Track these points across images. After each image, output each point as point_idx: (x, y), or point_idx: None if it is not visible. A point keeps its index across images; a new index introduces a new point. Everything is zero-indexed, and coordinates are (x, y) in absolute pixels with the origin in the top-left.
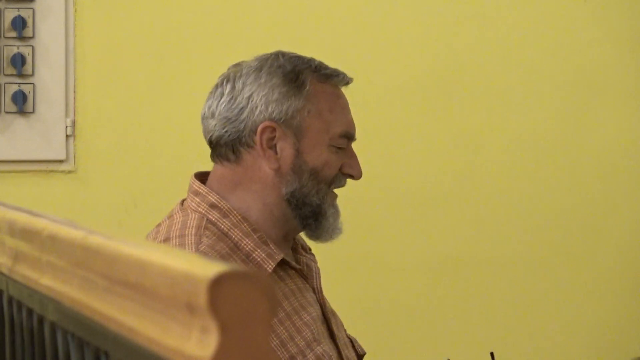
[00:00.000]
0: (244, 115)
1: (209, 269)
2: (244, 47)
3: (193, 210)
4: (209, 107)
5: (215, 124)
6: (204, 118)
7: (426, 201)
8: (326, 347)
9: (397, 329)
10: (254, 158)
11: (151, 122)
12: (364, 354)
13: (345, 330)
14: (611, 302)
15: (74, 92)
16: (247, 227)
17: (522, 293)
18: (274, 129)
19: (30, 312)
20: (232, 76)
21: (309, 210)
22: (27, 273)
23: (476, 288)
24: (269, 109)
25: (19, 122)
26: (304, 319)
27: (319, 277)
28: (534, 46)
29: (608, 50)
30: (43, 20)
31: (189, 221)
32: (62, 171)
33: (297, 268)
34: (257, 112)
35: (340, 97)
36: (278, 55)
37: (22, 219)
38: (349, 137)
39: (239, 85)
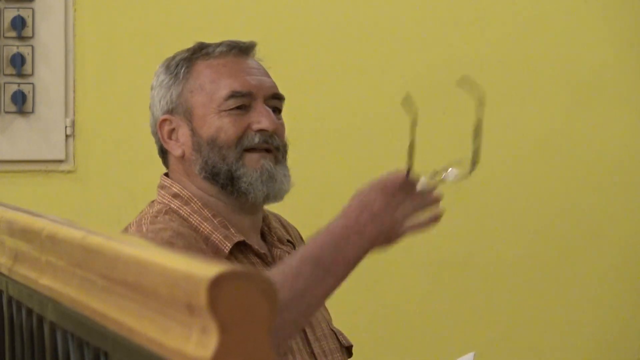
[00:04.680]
0: (153, 119)
1: (209, 269)
2: None
3: (158, 202)
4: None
5: (153, 138)
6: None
7: None
8: None
9: (398, 329)
10: (170, 154)
11: None
12: (351, 345)
13: (329, 323)
14: (612, 303)
15: (74, 92)
16: (208, 212)
17: (523, 294)
18: (169, 121)
19: (29, 312)
20: None
21: (223, 178)
22: (26, 273)
23: (476, 289)
24: (161, 104)
25: (19, 122)
26: None
27: None
28: (534, 46)
29: (608, 50)
30: (42, 20)
31: (150, 210)
32: (62, 171)
33: (260, 253)
34: (155, 112)
35: (226, 65)
36: (169, 57)
37: (22, 219)
38: (240, 95)
39: (150, 95)
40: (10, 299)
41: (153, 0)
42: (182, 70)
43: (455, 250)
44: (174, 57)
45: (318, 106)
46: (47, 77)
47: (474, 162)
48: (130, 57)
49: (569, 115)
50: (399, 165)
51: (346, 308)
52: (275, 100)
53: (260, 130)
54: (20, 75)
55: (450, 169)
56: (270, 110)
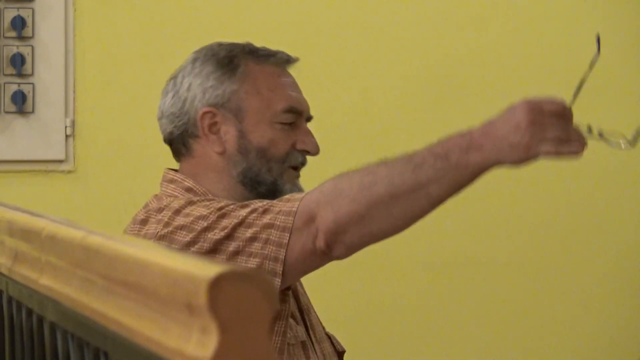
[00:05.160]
0: (186, 107)
1: (209, 269)
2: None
3: (168, 195)
4: (159, 108)
5: (165, 122)
6: (158, 120)
7: None
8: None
9: (397, 329)
10: (203, 147)
11: (151, 122)
12: (344, 351)
13: (323, 328)
14: (612, 303)
15: (74, 92)
16: None
17: (522, 294)
18: (214, 114)
19: (29, 312)
20: (175, 74)
21: (264, 188)
22: (26, 273)
23: (476, 289)
24: (206, 96)
25: (19, 122)
26: None
27: None
28: (534, 46)
29: (608, 50)
30: (42, 20)
31: (159, 203)
32: (62, 171)
33: None
34: (196, 101)
35: (282, 76)
36: (213, 45)
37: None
38: (295, 112)
39: (179, 79)
40: (10, 299)
41: (153, 1)
42: (239, 69)
43: (455, 250)
44: (221, 49)
45: (318, 106)
46: (47, 77)
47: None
48: (130, 57)
49: None
50: None
51: (345, 308)
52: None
53: (304, 151)
54: (20, 75)
55: (621, 138)
56: (311, 132)
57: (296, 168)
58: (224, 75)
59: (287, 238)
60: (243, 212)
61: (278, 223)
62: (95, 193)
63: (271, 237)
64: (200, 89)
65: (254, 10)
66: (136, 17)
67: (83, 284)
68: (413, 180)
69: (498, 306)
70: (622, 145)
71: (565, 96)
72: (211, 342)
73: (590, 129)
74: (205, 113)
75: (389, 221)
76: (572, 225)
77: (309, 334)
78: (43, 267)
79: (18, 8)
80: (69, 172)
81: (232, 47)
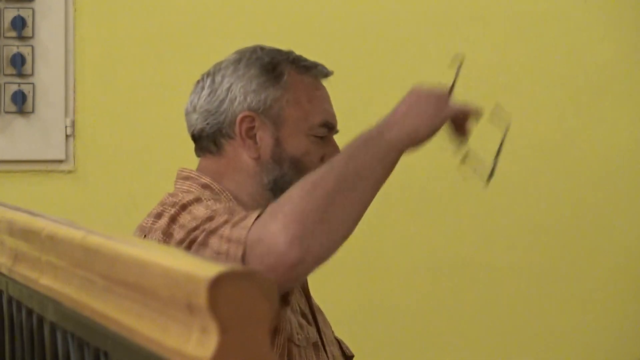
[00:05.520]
0: (224, 106)
1: (209, 269)
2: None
3: (184, 192)
4: (191, 102)
5: (197, 118)
6: (187, 113)
7: (427, 202)
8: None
9: (397, 330)
10: (235, 148)
11: (151, 122)
12: (352, 355)
13: (333, 332)
14: (612, 304)
15: (74, 92)
16: (236, 205)
17: (522, 294)
18: (252, 119)
19: (30, 312)
20: (212, 71)
21: None
22: (26, 273)
23: (476, 290)
24: (248, 99)
25: (19, 122)
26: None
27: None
28: (534, 47)
29: (608, 50)
30: (43, 20)
31: (173, 199)
32: (62, 171)
33: None
34: (236, 103)
35: (319, 89)
36: (257, 48)
37: (22, 219)
38: (329, 126)
39: (218, 78)
40: (10, 299)
41: (153, 1)
42: (284, 77)
43: (455, 252)
44: (265, 54)
45: None
46: (47, 77)
47: (491, 175)
48: (130, 57)
49: (569, 115)
50: (400, 165)
51: (345, 310)
52: None
53: None
54: (20, 75)
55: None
56: (339, 147)
57: None
58: (268, 82)
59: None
60: (215, 223)
61: (231, 252)
62: (95, 193)
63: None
64: (242, 92)
65: (254, 9)
66: (136, 17)
67: (83, 284)
68: (350, 169)
69: (499, 308)
70: (477, 172)
71: (566, 95)
72: (211, 342)
73: (465, 157)
74: (245, 117)
75: (340, 214)
76: (573, 227)
77: (320, 336)
78: (43, 267)
79: (18, 8)
80: (69, 172)
81: (276, 53)
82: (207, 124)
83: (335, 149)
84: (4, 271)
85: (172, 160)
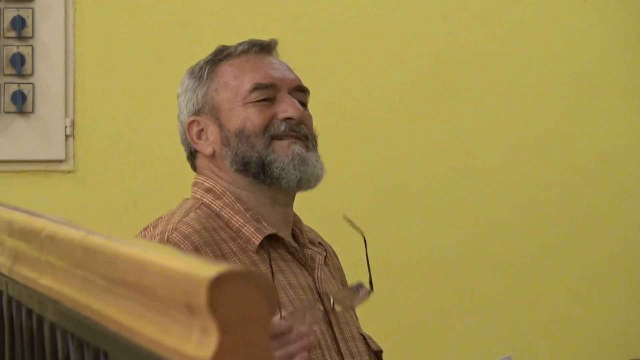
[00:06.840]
0: (181, 127)
1: (209, 269)
2: None
3: (192, 199)
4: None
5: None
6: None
7: (426, 201)
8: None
9: (397, 328)
10: (201, 158)
11: (151, 122)
12: (379, 350)
13: (359, 327)
14: (611, 301)
15: (74, 92)
16: (240, 206)
17: (522, 293)
18: (197, 122)
19: (29, 312)
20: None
21: (254, 166)
22: (26, 273)
23: (476, 287)
24: (188, 108)
25: (19, 122)
26: (289, 296)
27: (322, 268)
28: (534, 46)
29: (608, 50)
30: (42, 20)
31: (183, 205)
32: (62, 171)
33: (291, 248)
34: (183, 117)
35: (249, 61)
36: (193, 65)
37: (21, 219)
38: (263, 87)
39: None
40: (10, 299)
41: (153, 1)
42: (206, 72)
43: (454, 249)
44: (197, 63)
45: (317, 106)
46: (47, 77)
47: (370, 283)
48: (130, 57)
49: (568, 114)
50: (399, 165)
51: None
52: (300, 93)
53: (287, 119)
54: (20, 75)
55: (360, 289)
56: (295, 100)
57: (283, 137)
58: (194, 84)
59: None
60: None
61: None
62: (95, 193)
63: None
64: (184, 105)
65: (254, 10)
66: (136, 17)
67: (83, 284)
68: None
69: (497, 304)
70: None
71: (566, 94)
72: (211, 342)
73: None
74: (190, 123)
75: None
76: (571, 224)
77: (333, 333)
78: (43, 267)
79: (18, 8)
80: (69, 172)
81: (205, 58)
82: (184, 147)
83: (284, 103)
84: (4, 271)
85: (172, 161)
